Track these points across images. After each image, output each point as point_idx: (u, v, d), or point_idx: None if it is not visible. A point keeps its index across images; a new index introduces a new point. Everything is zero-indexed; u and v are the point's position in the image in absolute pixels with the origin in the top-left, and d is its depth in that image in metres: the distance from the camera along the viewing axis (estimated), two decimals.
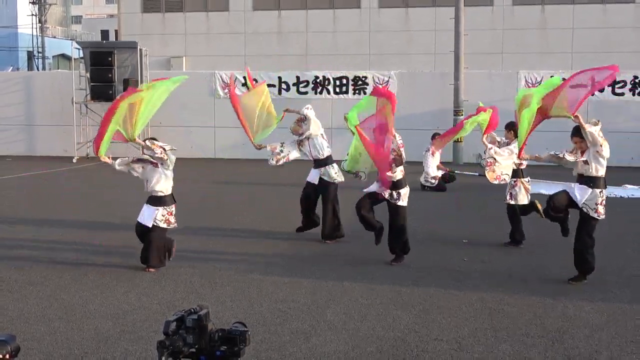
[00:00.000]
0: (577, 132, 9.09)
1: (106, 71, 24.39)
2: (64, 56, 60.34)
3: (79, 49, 25.85)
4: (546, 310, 8.06)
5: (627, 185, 18.21)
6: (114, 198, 16.52)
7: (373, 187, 10.27)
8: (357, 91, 24.69)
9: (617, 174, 19.75)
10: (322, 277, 9.47)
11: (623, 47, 30.64)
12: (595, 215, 9.02)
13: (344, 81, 24.82)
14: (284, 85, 25.05)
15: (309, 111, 11.72)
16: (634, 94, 23.28)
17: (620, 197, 16.54)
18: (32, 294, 8.65)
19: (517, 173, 11.26)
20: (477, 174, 19.58)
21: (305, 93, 24.95)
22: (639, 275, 9.63)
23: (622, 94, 23.32)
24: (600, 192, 9.00)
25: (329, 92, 24.84)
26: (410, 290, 8.83)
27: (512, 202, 11.33)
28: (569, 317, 7.83)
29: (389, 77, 24.60)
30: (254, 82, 11.73)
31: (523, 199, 11.32)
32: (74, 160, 23.98)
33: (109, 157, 9.68)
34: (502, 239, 11.68)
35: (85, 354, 6.67)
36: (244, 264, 10.23)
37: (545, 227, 11.23)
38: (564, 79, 9.50)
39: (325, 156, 11.74)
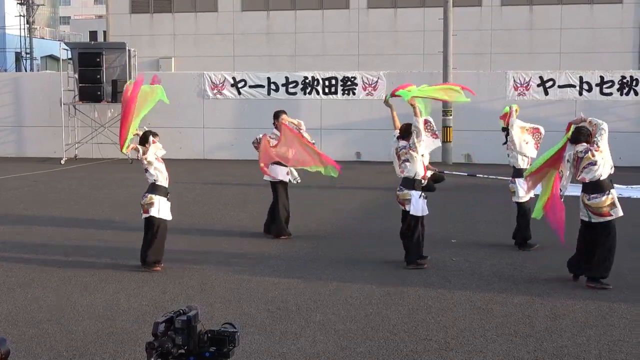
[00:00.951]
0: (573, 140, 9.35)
1: (95, 72, 24.29)
2: (52, 57, 60.17)
3: (67, 50, 25.74)
4: (535, 310, 8.09)
5: (615, 185, 18.26)
6: (102, 199, 16.48)
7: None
8: (346, 92, 24.70)
9: None
10: (311, 277, 9.48)
11: (610, 47, 30.76)
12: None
13: (333, 82, 24.81)
14: (273, 86, 25.03)
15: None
16: (621, 94, 23.37)
17: None
18: (20, 295, 8.62)
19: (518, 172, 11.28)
20: (465, 174, 19.63)
21: (295, 94, 24.94)
22: (625, 274, 9.68)
23: (610, 94, 23.41)
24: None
25: (318, 93, 24.83)
26: (399, 291, 8.84)
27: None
28: (558, 316, 7.86)
29: (378, 78, 24.63)
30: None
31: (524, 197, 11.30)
32: (62, 162, 23.89)
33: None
34: (491, 239, 11.72)
35: (74, 356, 6.66)
36: (234, 264, 10.23)
37: (536, 228, 11.23)
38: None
39: None
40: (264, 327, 7.44)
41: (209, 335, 3.45)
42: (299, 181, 12.21)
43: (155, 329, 3.37)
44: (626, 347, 6.94)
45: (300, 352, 6.77)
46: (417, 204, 10.00)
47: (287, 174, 12.08)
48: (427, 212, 10.16)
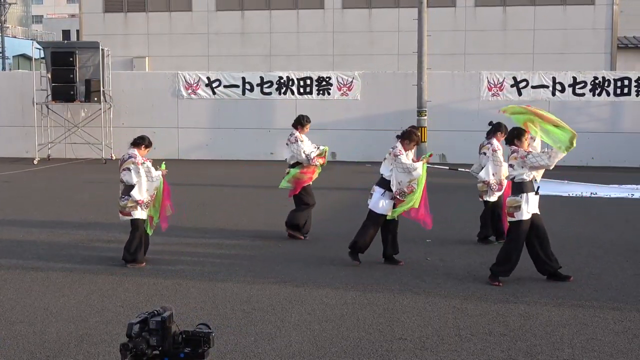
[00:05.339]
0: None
1: (68, 72, 24.11)
2: (25, 56, 59.49)
3: (39, 49, 25.53)
4: (509, 309, 8.14)
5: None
6: (75, 199, 16.36)
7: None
8: (321, 92, 24.72)
9: (578, 174, 20.03)
10: (286, 278, 9.47)
11: (583, 48, 31.05)
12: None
13: (308, 82, 24.84)
14: (247, 86, 25.00)
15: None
16: (594, 95, 23.61)
17: (582, 196, 16.77)
18: None
19: None
20: (447, 167, 19.68)
21: (269, 94, 24.94)
22: (598, 274, 9.78)
23: (583, 95, 23.65)
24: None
25: (293, 93, 24.84)
26: (374, 290, 8.86)
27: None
28: (531, 315, 7.92)
29: (353, 78, 24.69)
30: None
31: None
32: (35, 162, 23.69)
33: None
34: (465, 238, 11.77)
35: (48, 357, 6.60)
36: (208, 265, 10.19)
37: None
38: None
39: None
40: (239, 328, 7.42)
41: (184, 336, 3.44)
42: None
43: (129, 330, 3.36)
44: (599, 346, 7.00)
45: (276, 352, 6.77)
46: (376, 200, 10.10)
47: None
48: (387, 213, 10.13)
